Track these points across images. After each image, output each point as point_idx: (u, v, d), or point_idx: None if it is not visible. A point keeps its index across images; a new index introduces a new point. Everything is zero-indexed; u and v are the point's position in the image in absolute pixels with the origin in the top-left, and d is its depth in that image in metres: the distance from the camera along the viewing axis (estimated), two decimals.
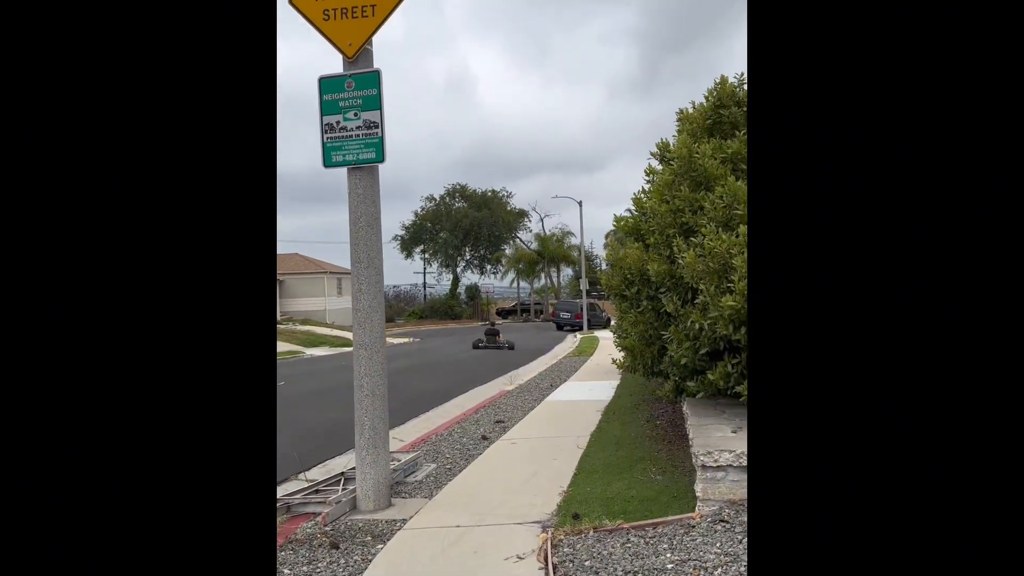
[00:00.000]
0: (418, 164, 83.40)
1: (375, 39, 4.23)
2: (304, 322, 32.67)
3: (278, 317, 33.86)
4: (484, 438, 6.24)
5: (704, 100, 5.57)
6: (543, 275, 47.71)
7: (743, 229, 4.28)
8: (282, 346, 24.66)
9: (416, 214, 49.09)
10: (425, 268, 50.34)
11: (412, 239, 48.86)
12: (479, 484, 4.64)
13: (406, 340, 27.88)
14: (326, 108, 4.23)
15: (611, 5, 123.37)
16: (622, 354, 6.46)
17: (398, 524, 3.84)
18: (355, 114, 4.20)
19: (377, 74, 4.18)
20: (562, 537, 3.42)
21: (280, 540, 3.64)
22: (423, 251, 49.50)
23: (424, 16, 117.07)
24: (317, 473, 5.34)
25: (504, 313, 46.98)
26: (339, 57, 4.24)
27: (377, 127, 4.19)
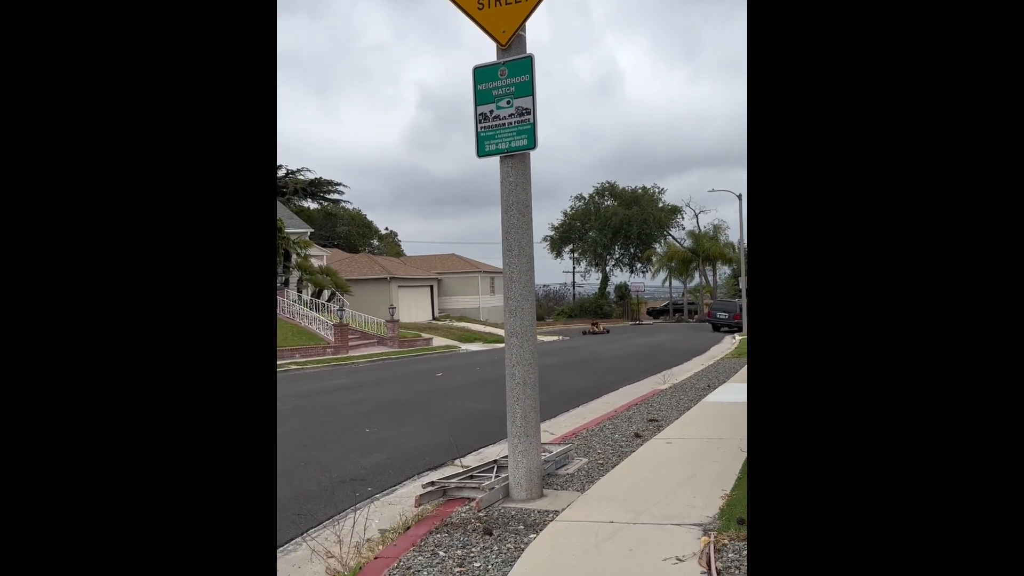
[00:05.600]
0: (565, 164, 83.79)
1: (528, 33, 4.20)
2: (460, 319, 34.08)
3: (436, 314, 35.59)
4: (637, 435, 6.02)
5: None
6: (697, 274, 45.80)
7: None
8: (440, 340, 25.90)
9: (565, 214, 49.33)
10: (574, 267, 50.41)
11: (561, 239, 49.14)
12: (633, 482, 4.45)
13: (555, 338, 28.06)
14: (480, 97, 4.26)
15: None
16: None
17: (550, 515, 3.77)
18: (508, 102, 4.19)
19: (530, 59, 4.14)
20: (726, 542, 3.15)
21: (436, 523, 3.71)
22: (572, 250, 49.58)
23: (570, 16, 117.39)
24: (472, 460, 5.44)
25: (655, 313, 45.77)
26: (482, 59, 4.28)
27: (529, 113, 4.15)
